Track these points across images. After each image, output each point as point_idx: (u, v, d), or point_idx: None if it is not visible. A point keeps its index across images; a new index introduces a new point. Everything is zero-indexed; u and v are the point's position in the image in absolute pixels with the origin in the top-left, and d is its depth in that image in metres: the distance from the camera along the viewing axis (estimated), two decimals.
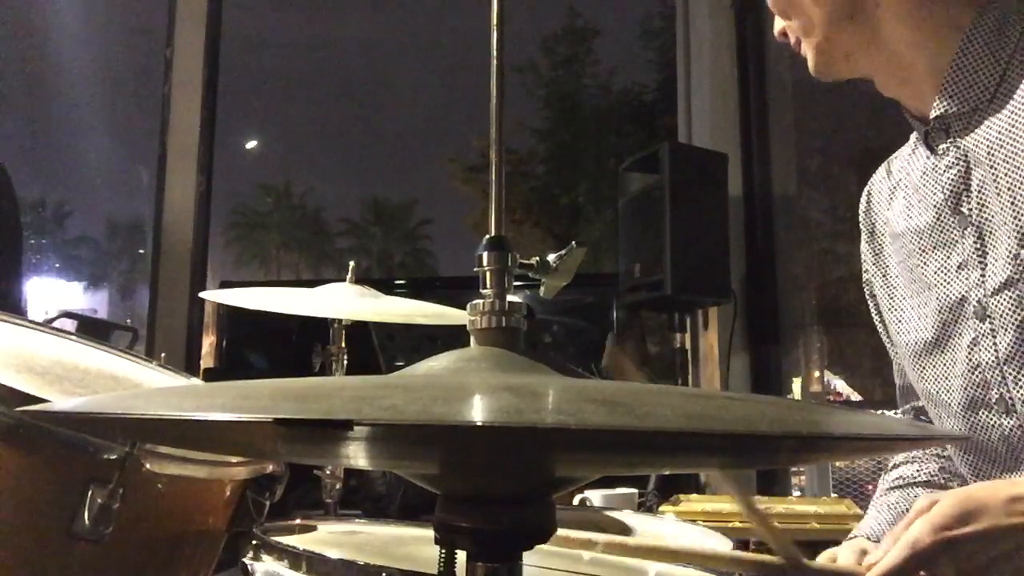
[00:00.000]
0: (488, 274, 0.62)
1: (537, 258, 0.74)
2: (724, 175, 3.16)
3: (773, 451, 0.56)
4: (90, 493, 0.93)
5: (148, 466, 0.98)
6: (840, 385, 2.98)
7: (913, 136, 1.19)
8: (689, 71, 3.80)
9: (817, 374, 2.97)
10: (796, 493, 2.62)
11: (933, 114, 1.09)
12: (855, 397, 3.01)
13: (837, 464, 2.34)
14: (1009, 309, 1.04)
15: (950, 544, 0.90)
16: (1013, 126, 1.03)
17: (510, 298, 0.61)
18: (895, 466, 1.31)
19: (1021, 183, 1.01)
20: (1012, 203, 1.02)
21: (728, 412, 0.47)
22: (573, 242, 0.76)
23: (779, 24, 1.19)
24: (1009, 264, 1.03)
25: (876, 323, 1.30)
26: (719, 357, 3.35)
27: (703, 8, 3.73)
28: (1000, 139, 1.04)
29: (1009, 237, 1.03)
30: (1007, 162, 1.03)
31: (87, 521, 0.93)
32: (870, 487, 2.27)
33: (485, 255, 0.62)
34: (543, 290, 0.78)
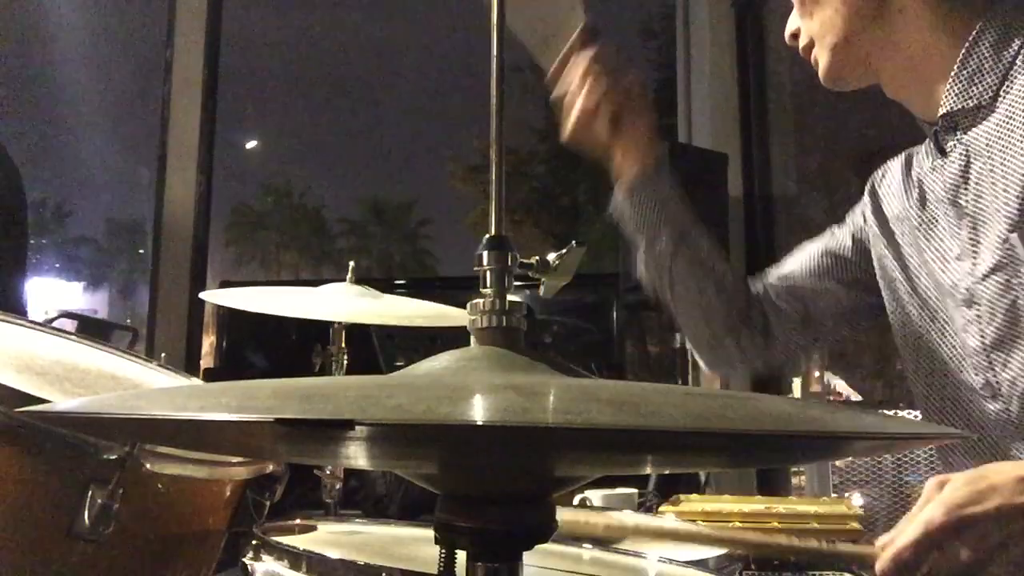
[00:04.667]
0: (488, 273, 0.61)
1: (537, 258, 0.74)
2: (724, 175, 3.16)
3: (777, 450, 0.56)
4: (90, 493, 0.93)
5: (148, 466, 0.97)
6: (840, 385, 2.97)
7: (928, 140, 1.21)
8: (689, 71, 3.80)
9: (817, 374, 2.97)
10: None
11: (941, 111, 1.11)
12: (855, 397, 3.01)
13: (837, 464, 2.34)
14: (996, 294, 1.07)
15: (962, 523, 0.92)
16: (1011, 118, 1.06)
17: (510, 298, 0.61)
18: None
19: (1013, 170, 1.04)
20: (1004, 190, 1.05)
21: (733, 411, 0.47)
22: (573, 241, 0.76)
23: (792, 24, 1.19)
24: (998, 249, 1.06)
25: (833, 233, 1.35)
26: None
27: (703, 8, 3.73)
28: (998, 130, 1.07)
29: (999, 223, 1.05)
30: (1003, 151, 1.06)
31: (87, 521, 0.93)
32: (870, 487, 2.27)
33: (485, 255, 0.61)
34: (543, 289, 0.78)
